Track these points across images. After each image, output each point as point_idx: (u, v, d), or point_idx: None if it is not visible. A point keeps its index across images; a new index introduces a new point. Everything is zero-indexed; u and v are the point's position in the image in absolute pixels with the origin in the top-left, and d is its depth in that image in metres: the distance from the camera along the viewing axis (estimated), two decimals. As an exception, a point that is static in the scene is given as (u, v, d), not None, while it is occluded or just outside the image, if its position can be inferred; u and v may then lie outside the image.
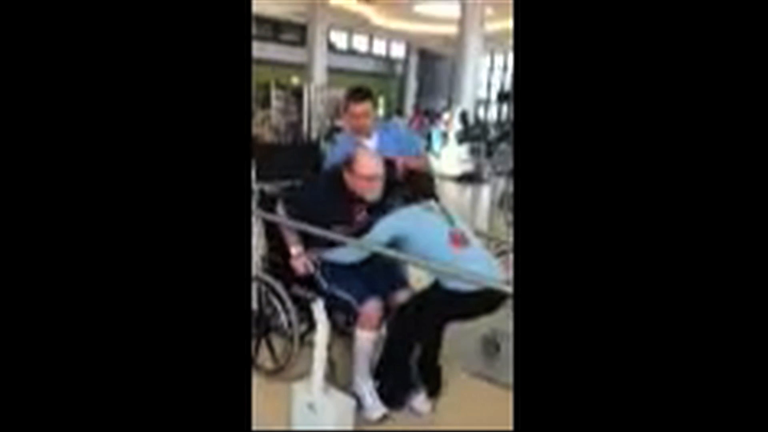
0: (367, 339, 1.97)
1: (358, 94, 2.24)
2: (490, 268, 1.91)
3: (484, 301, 1.85)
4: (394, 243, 1.89)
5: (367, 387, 1.99)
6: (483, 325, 2.75)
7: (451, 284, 1.85)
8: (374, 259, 1.97)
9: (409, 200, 1.98)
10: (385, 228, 1.89)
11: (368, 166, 1.93)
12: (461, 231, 1.94)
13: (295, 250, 2.04)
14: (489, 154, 8.70)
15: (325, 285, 2.05)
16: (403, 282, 2.14)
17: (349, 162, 1.96)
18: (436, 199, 2.05)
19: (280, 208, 2.06)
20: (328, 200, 2.00)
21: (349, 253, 1.95)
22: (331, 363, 2.01)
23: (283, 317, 2.08)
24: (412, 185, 2.04)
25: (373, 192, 1.96)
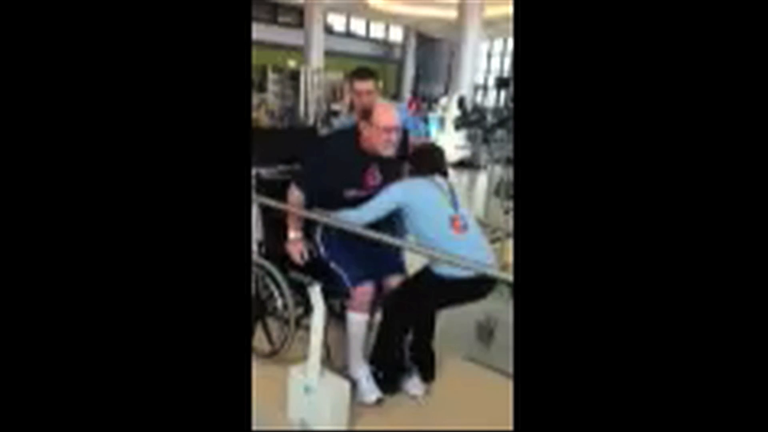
0: (358, 322, 1.99)
1: (362, 72, 2.35)
2: (485, 254, 1.92)
3: (475, 287, 1.88)
4: (399, 211, 1.91)
5: (362, 371, 2.01)
6: (477, 311, 2.78)
7: (444, 270, 1.87)
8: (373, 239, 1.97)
9: (420, 173, 1.99)
10: (392, 193, 1.91)
11: (387, 116, 1.93)
12: (463, 216, 1.95)
13: (293, 234, 2.03)
14: (486, 140, 8.68)
15: (324, 253, 2.05)
16: (399, 267, 2.16)
17: (367, 114, 1.94)
18: (445, 174, 2.05)
19: (293, 187, 2.04)
20: (341, 160, 1.99)
21: (356, 215, 1.93)
22: (326, 347, 2.02)
23: (279, 301, 2.09)
24: (422, 159, 2.04)
25: (389, 145, 1.95)
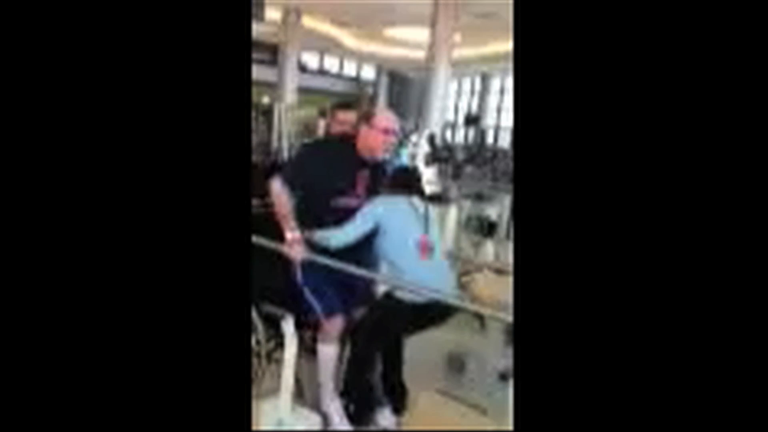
0: (328, 353, 2.00)
1: (345, 104, 2.52)
2: (446, 280, 1.98)
3: (435, 312, 1.91)
4: (376, 230, 1.93)
5: (333, 405, 2.01)
6: (449, 343, 2.81)
7: (405, 295, 1.91)
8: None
9: (396, 193, 2.03)
10: (373, 208, 1.94)
11: (387, 119, 1.99)
12: (430, 239, 2.00)
13: (290, 234, 1.96)
14: (456, 176, 8.87)
15: (300, 278, 2.03)
16: (370, 297, 2.18)
17: (367, 117, 1.98)
18: (422, 194, 2.10)
19: (276, 182, 2.01)
20: (334, 164, 2.00)
21: (334, 236, 1.93)
22: (298, 380, 2.02)
23: (251, 335, 2.08)
24: (400, 180, 2.09)
25: (386, 147, 2.01)
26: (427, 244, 1.98)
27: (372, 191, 2.05)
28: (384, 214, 1.95)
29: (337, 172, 2.00)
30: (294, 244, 1.95)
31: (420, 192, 2.10)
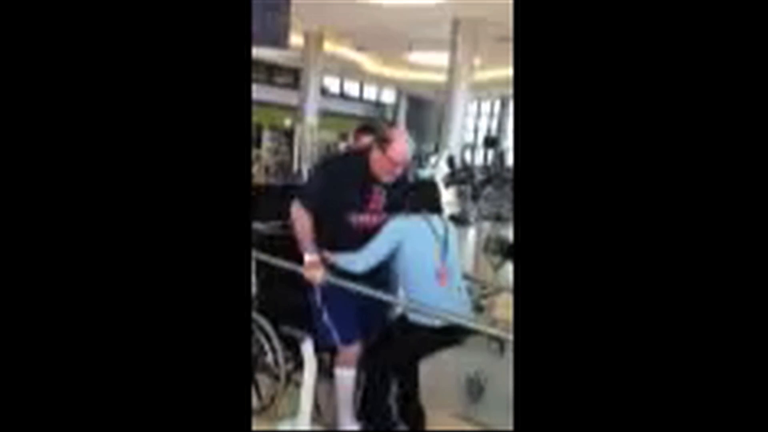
0: (346, 377, 2.00)
1: (367, 126, 2.58)
2: (462, 303, 1.97)
3: (449, 334, 1.91)
4: (394, 252, 1.93)
5: (351, 428, 2.00)
6: (467, 366, 2.78)
7: (420, 318, 1.91)
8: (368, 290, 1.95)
9: (416, 209, 2.02)
10: (392, 230, 1.94)
11: (402, 152, 1.97)
12: (450, 268, 1.99)
13: (309, 257, 1.97)
14: (475, 197, 8.86)
15: (319, 302, 2.02)
16: (387, 320, 2.19)
17: (384, 141, 1.97)
18: (440, 211, 2.10)
19: (296, 203, 2.02)
20: (347, 180, 2.01)
21: (361, 258, 1.93)
22: (316, 402, 2.02)
23: (270, 356, 2.10)
24: (421, 194, 2.08)
25: (392, 177, 2.01)
26: (445, 273, 1.97)
27: (389, 207, 2.04)
28: (403, 235, 1.94)
29: (349, 187, 2.01)
30: (312, 267, 1.95)
31: (439, 208, 2.09)
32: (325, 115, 13.43)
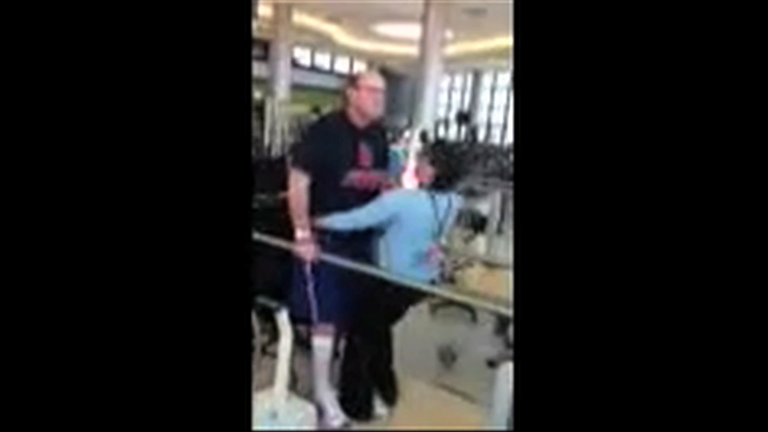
0: (323, 346, 2.04)
1: None
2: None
3: (410, 294, 1.92)
4: (390, 223, 1.93)
5: (328, 396, 2.05)
6: (440, 335, 2.87)
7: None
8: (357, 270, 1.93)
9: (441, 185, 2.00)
10: (387, 203, 1.94)
11: (372, 78, 2.04)
12: (436, 248, 2.02)
13: (301, 233, 1.96)
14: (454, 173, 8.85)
15: (306, 278, 2.00)
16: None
17: (354, 79, 2.03)
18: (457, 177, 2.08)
19: (296, 173, 1.99)
20: (335, 136, 2.03)
21: (343, 220, 1.94)
22: (293, 373, 2.05)
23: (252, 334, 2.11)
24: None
25: (377, 106, 2.03)
26: (433, 252, 1.98)
27: (374, 161, 2.06)
28: (402, 209, 1.93)
29: (338, 142, 2.02)
30: (305, 244, 1.95)
31: (457, 169, 2.05)
32: (296, 88, 13.19)
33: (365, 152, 2.06)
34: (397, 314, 2.11)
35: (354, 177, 2.01)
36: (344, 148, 2.02)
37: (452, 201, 2.04)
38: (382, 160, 2.12)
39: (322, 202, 1.99)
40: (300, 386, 2.16)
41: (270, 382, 1.87)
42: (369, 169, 2.05)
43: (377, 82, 2.05)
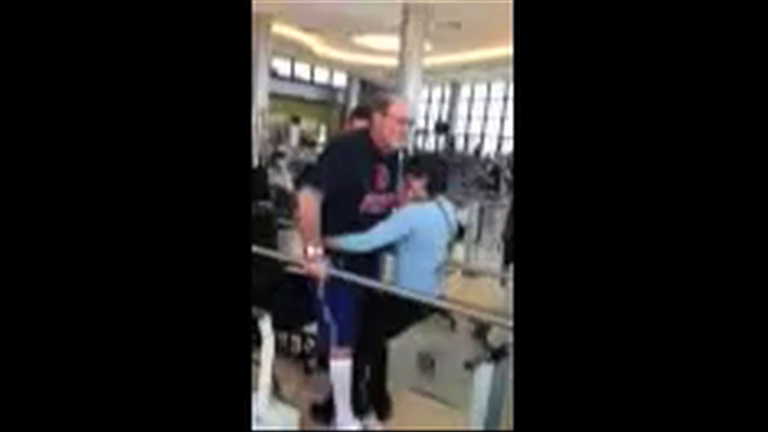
0: (342, 368, 1.99)
1: (361, 111, 2.52)
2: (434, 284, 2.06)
3: (413, 312, 1.98)
4: (404, 238, 1.94)
5: (354, 425, 2.02)
6: (419, 342, 2.91)
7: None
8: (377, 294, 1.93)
9: (435, 188, 2.03)
10: (400, 220, 1.95)
11: (403, 108, 1.98)
12: (444, 264, 2.05)
13: (312, 250, 1.89)
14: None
15: (322, 296, 1.97)
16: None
17: (383, 104, 1.96)
18: (444, 185, 2.11)
19: (307, 190, 1.93)
20: (355, 158, 1.98)
21: (361, 240, 1.92)
22: (275, 379, 2.07)
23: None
24: (419, 166, 2.09)
25: (402, 136, 2.00)
26: (443, 265, 2.00)
27: (391, 187, 2.06)
28: (416, 223, 1.94)
29: (357, 165, 1.98)
30: (316, 261, 1.89)
31: (444, 183, 2.08)
32: (275, 98, 13.19)
33: (382, 175, 2.04)
34: (399, 330, 2.12)
35: (369, 200, 1.98)
36: (365, 170, 1.99)
37: (457, 211, 2.09)
38: (395, 182, 2.09)
39: (336, 223, 1.93)
40: (283, 392, 2.18)
41: (253, 388, 1.89)
42: (383, 191, 2.04)
43: (406, 111, 1.99)
